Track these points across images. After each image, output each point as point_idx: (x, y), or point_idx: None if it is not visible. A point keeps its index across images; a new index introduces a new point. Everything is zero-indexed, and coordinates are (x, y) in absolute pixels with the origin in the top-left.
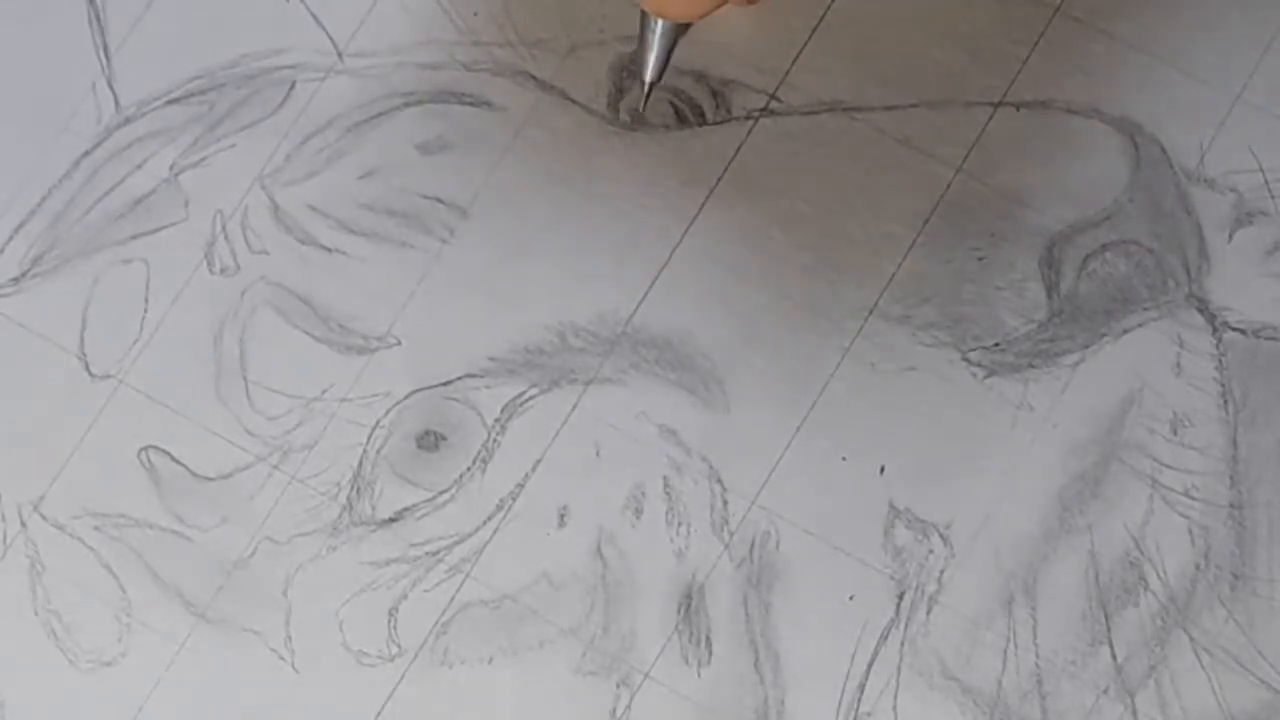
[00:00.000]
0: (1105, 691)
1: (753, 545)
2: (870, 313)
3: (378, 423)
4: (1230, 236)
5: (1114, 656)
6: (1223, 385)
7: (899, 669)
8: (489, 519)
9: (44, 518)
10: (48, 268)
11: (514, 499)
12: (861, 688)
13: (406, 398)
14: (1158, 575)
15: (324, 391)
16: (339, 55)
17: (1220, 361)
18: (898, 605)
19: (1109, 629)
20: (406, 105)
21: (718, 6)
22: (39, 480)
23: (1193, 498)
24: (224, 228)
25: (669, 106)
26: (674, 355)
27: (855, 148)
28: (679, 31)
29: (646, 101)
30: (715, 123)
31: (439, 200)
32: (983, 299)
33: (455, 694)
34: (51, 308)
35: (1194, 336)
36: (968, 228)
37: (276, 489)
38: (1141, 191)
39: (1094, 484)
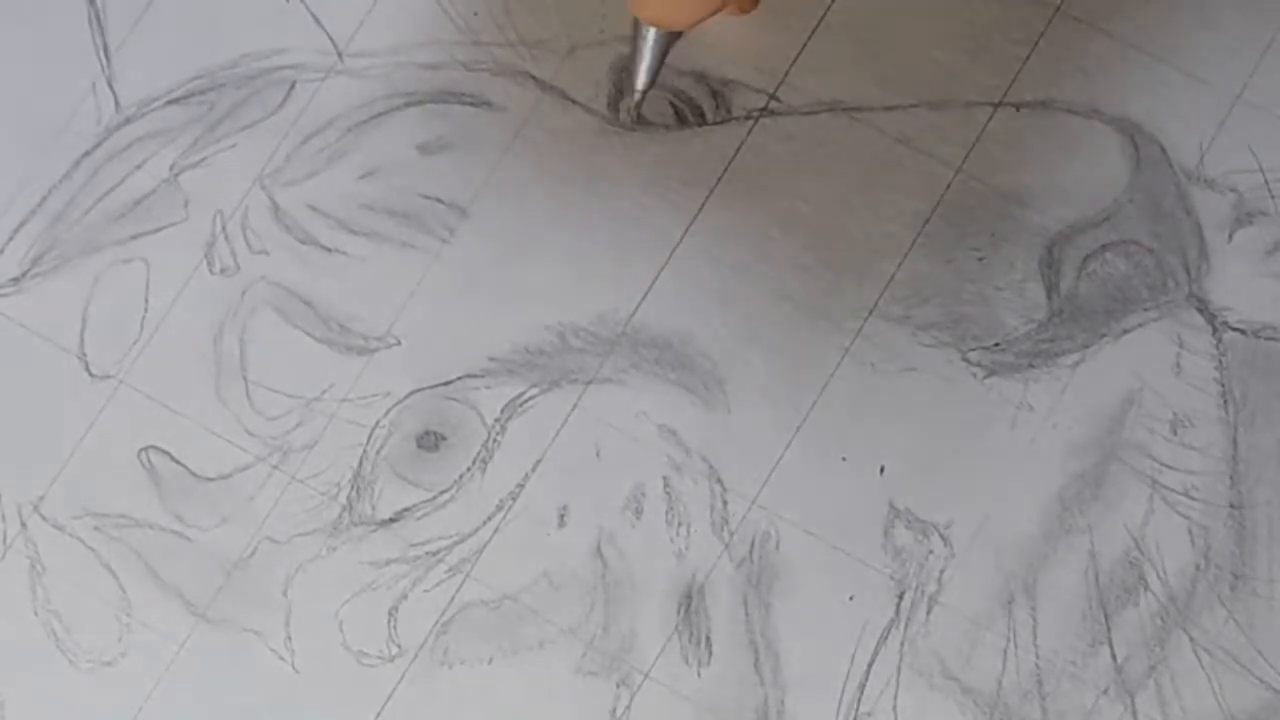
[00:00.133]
0: (1105, 691)
1: (753, 545)
2: (870, 313)
3: (378, 423)
4: (1230, 236)
5: (1114, 656)
6: (1223, 385)
7: (899, 669)
8: (489, 519)
9: (44, 518)
10: (48, 268)
11: (514, 499)
12: (861, 688)
13: (406, 398)
14: (1158, 575)
15: (324, 391)
16: (339, 55)
17: (1220, 361)
18: (898, 605)
19: (1109, 629)
20: (406, 105)
21: (710, 15)
22: (39, 480)
23: (1193, 498)
24: (224, 228)
25: (669, 106)
26: (674, 355)
27: (855, 148)
28: (670, 40)
29: (638, 108)
30: (715, 123)
31: (439, 200)
32: (983, 299)
33: (455, 694)
34: (51, 308)
35: (1194, 336)
36: (968, 228)
37: (276, 489)
38: (1141, 191)
39: (1094, 484)
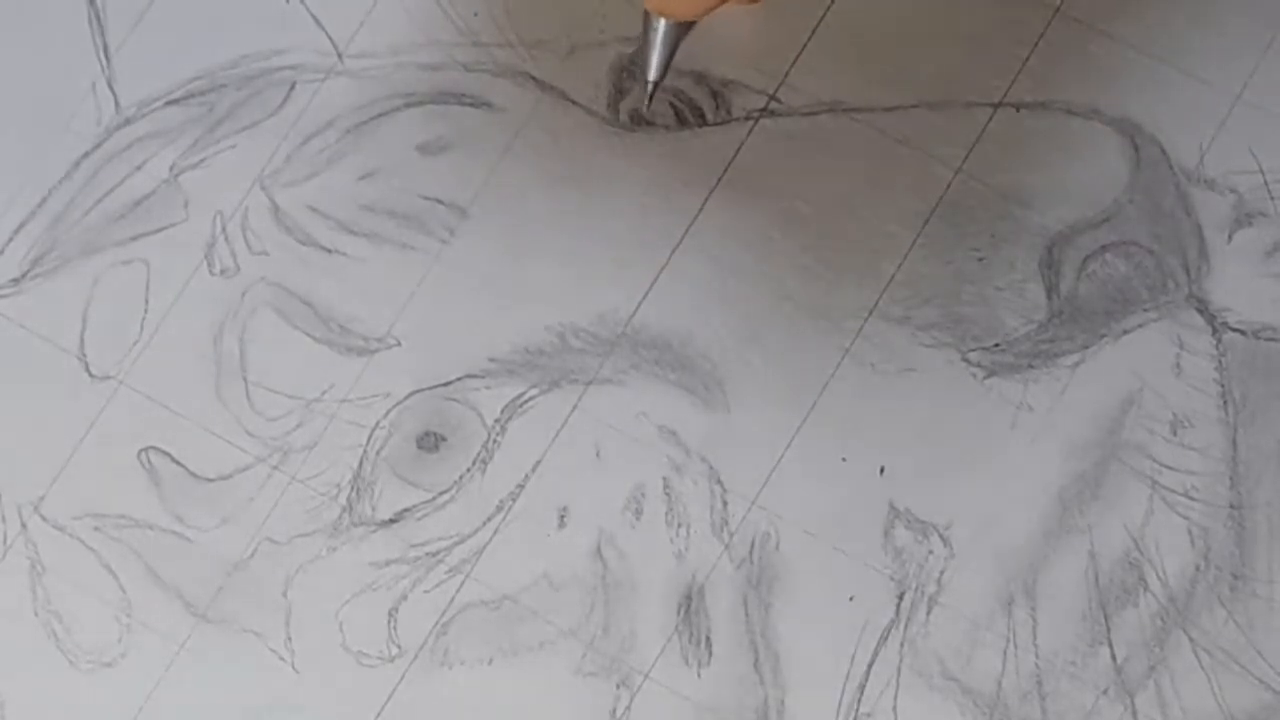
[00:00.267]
0: (1105, 691)
1: (753, 545)
2: (870, 313)
3: (378, 423)
4: (1230, 237)
5: (1114, 656)
6: (1223, 385)
7: (899, 669)
8: (489, 519)
9: (44, 518)
10: (48, 268)
11: (514, 499)
12: (861, 688)
13: (406, 398)
14: (1158, 575)
15: (324, 392)
16: (339, 56)
17: (1220, 362)
18: (898, 605)
19: (1109, 629)
20: (406, 106)
21: (719, 5)
22: (39, 480)
23: (1193, 498)
24: (224, 228)
25: (669, 107)
26: (674, 356)
27: (855, 148)
28: (682, 31)
29: (650, 101)
30: (715, 123)
31: (439, 201)
32: (983, 299)
33: (455, 694)
34: (51, 308)
35: (1194, 337)
36: (968, 228)
37: (276, 490)
38: (1141, 192)
39: (1094, 484)
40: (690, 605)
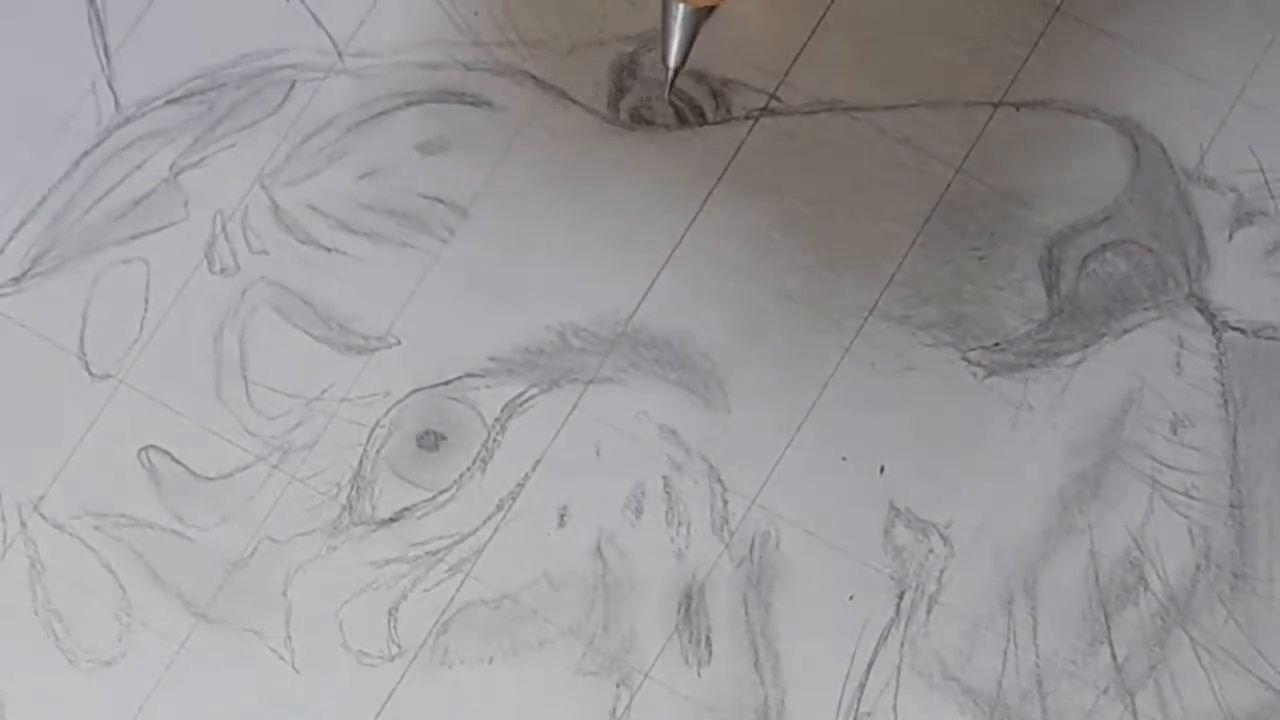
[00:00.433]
0: (1105, 691)
1: (753, 545)
2: (870, 313)
3: (378, 422)
4: (1230, 236)
5: (1114, 656)
6: (1223, 385)
7: (899, 669)
8: (489, 519)
9: (44, 518)
10: (48, 268)
11: (514, 499)
12: (861, 688)
13: (406, 397)
14: (1158, 575)
15: (324, 391)
16: (339, 55)
17: (1220, 361)
18: (898, 605)
19: (1109, 629)
20: (406, 105)
21: None
22: (39, 480)
23: (1193, 498)
24: (224, 228)
25: (669, 106)
26: (674, 355)
27: (855, 148)
28: (701, 16)
29: (670, 88)
30: (715, 123)
31: (439, 200)
32: (983, 299)
33: (455, 694)
34: (51, 308)
35: (1194, 336)
36: (968, 228)
37: (276, 489)
38: (1141, 191)
39: (1094, 484)
40: (690, 604)
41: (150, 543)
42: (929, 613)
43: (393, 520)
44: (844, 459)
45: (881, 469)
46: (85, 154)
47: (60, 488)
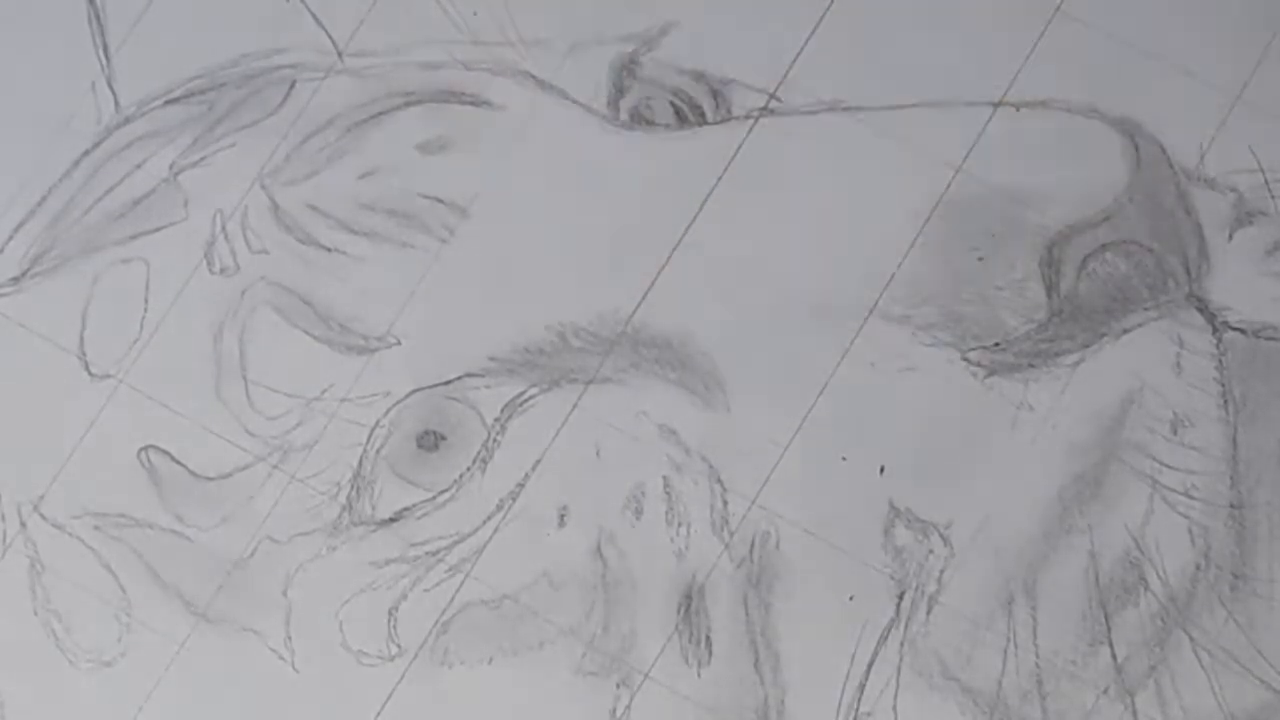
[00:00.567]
0: (1105, 691)
1: (753, 545)
2: (870, 313)
3: (378, 422)
4: (1230, 236)
5: (1114, 656)
6: (1223, 385)
7: (899, 669)
8: (489, 519)
9: (44, 518)
10: (48, 267)
11: (514, 499)
12: (861, 688)
13: (406, 397)
14: (1158, 575)
15: (324, 391)
16: (339, 55)
17: (1220, 361)
18: (898, 605)
19: (1109, 629)
20: (406, 105)
21: None
22: (39, 480)
23: (1193, 498)
24: (224, 227)
25: (669, 106)
26: (674, 355)
27: (855, 148)
28: None
29: None
30: (715, 122)
31: (439, 200)
32: (983, 299)
33: (455, 694)
34: (51, 307)
35: (1194, 336)
36: (968, 228)
37: (276, 489)
38: (1142, 191)
39: (1094, 484)
40: (690, 604)
41: (150, 543)
42: (929, 613)
43: (393, 520)
44: (844, 459)
45: (881, 469)
46: (85, 154)
47: (60, 488)
